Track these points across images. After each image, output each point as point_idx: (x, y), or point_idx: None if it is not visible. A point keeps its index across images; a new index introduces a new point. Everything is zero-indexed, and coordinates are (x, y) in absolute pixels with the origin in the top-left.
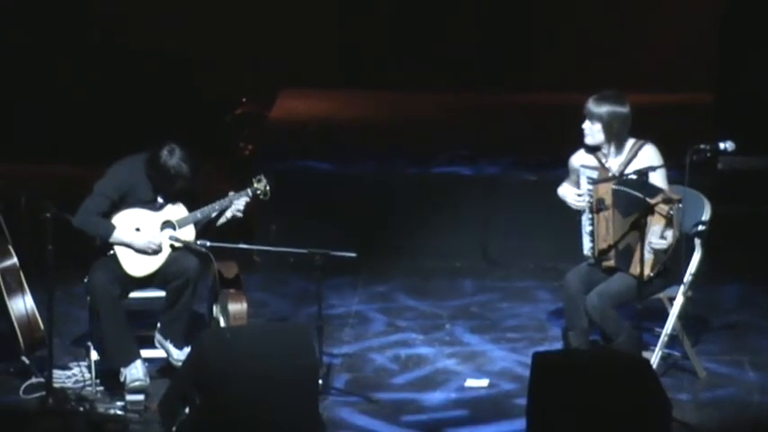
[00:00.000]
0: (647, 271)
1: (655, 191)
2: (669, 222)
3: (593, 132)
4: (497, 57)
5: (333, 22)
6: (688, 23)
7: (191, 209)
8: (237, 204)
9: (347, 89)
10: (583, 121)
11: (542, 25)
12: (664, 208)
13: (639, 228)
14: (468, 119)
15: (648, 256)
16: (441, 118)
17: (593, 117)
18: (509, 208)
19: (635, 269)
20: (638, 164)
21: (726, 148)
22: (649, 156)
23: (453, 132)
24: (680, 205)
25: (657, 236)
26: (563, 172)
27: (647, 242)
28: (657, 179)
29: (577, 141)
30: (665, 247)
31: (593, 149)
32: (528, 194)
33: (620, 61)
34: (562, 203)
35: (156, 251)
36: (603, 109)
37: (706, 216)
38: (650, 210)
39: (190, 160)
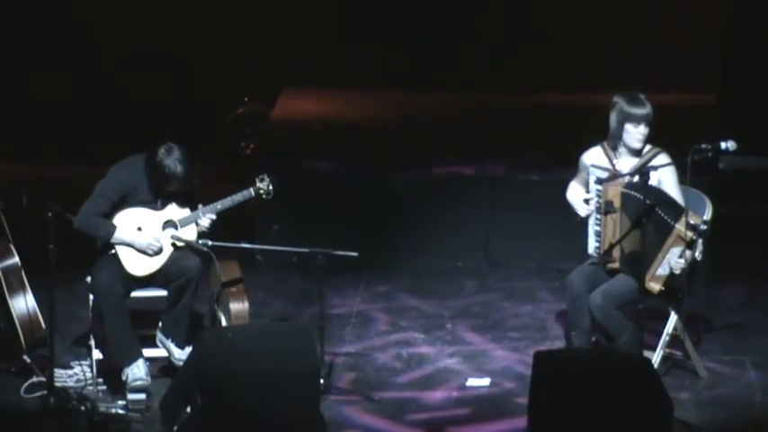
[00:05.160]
0: (657, 286)
1: (678, 211)
2: (689, 246)
3: (646, 137)
4: (499, 57)
5: (333, 21)
6: (692, 23)
7: (191, 208)
8: (238, 202)
9: (348, 89)
10: (638, 126)
11: (544, 25)
12: (687, 233)
13: (640, 227)
14: (470, 119)
15: (662, 273)
16: (443, 117)
17: (649, 121)
18: (511, 208)
19: (644, 282)
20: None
21: (727, 148)
22: (662, 164)
23: (455, 132)
24: (704, 227)
25: (677, 256)
26: (565, 172)
27: (665, 261)
28: (670, 188)
29: (578, 141)
30: (683, 266)
31: (605, 149)
32: (530, 195)
33: (623, 61)
34: (567, 206)
35: (158, 251)
36: (651, 110)
37: (707, 215)
38: (672, 232)
39: (186, 161)
